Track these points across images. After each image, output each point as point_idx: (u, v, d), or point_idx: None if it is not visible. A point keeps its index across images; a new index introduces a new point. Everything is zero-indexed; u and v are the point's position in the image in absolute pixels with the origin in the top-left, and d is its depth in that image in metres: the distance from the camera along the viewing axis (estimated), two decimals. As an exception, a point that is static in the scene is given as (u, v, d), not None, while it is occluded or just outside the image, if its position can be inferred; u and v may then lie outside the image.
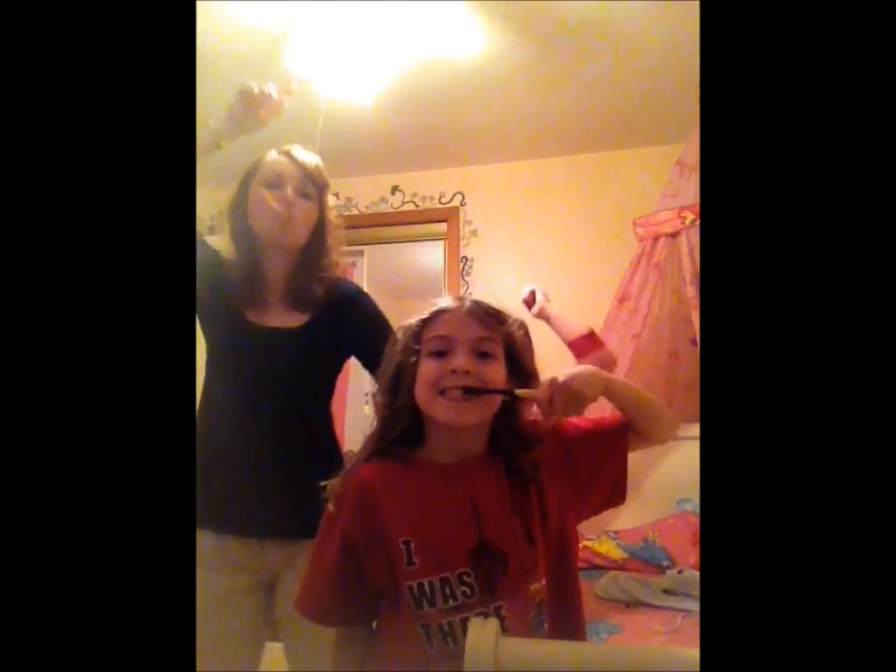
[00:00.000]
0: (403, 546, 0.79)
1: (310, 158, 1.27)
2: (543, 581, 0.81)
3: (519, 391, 0.82)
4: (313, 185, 1.25)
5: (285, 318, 1.24)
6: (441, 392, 0.80)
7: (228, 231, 1.26)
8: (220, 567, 1.17)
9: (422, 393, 0.82)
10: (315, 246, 1.26)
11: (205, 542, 1.17)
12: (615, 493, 0.90)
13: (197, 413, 1.25)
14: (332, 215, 1.30)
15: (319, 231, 1.26)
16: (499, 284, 2.85)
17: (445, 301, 0.87)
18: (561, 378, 0.81)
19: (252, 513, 1.16)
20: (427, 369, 0.82)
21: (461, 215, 2.99)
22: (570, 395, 0.81)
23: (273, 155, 1.25)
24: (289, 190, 1.21)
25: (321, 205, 1.27)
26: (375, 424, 0.88)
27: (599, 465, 0.88)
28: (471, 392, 0.80)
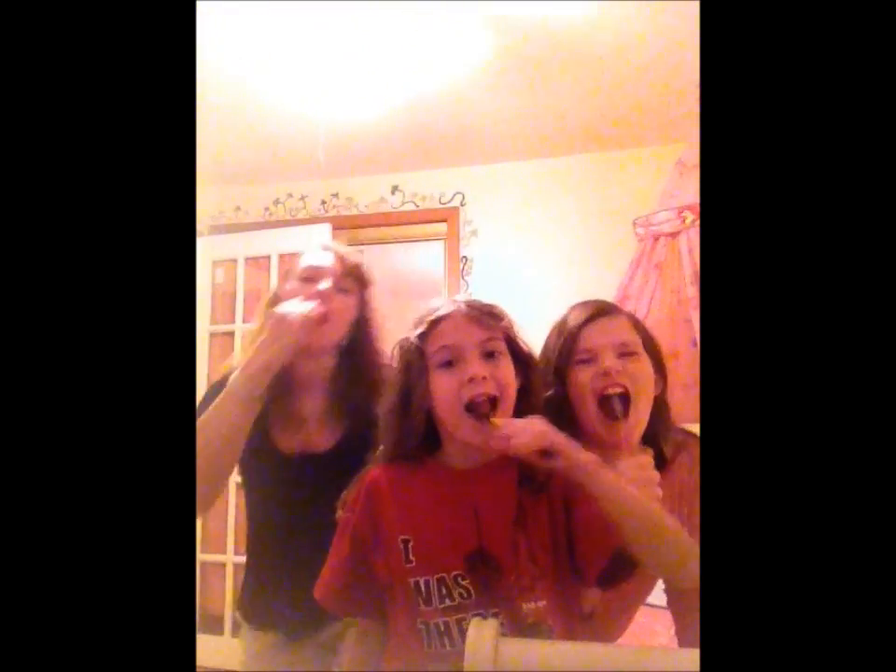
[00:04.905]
0: (402, 544, 0.80)
1: (352, 255, 1.18)
2: (543, 603, 0.77)
3: (493, 419, 0.77)
4: (353, 280, 1.15)
5: (316, 438, 1.13)
6: (468, 409, 0.78)
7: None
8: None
9: (446, 411, 0.81)
10: (354, 346, 1.14)
11: (269, 641, 1.15)
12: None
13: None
14: (376, 316, 1.18)
15: (359, 330, 1.15)
16: (499, 284, 2.85)
17: (438, 309, 0.85)
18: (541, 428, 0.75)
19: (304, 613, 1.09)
20: (442, 382, 0.81)
21: (461, 215, 2.99)
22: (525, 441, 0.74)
23: (312, 250, 1.18)
24: (326, 284, 1.10)
25: (362, 303, 1.16)
26: (386, 440, 0.87)
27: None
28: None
